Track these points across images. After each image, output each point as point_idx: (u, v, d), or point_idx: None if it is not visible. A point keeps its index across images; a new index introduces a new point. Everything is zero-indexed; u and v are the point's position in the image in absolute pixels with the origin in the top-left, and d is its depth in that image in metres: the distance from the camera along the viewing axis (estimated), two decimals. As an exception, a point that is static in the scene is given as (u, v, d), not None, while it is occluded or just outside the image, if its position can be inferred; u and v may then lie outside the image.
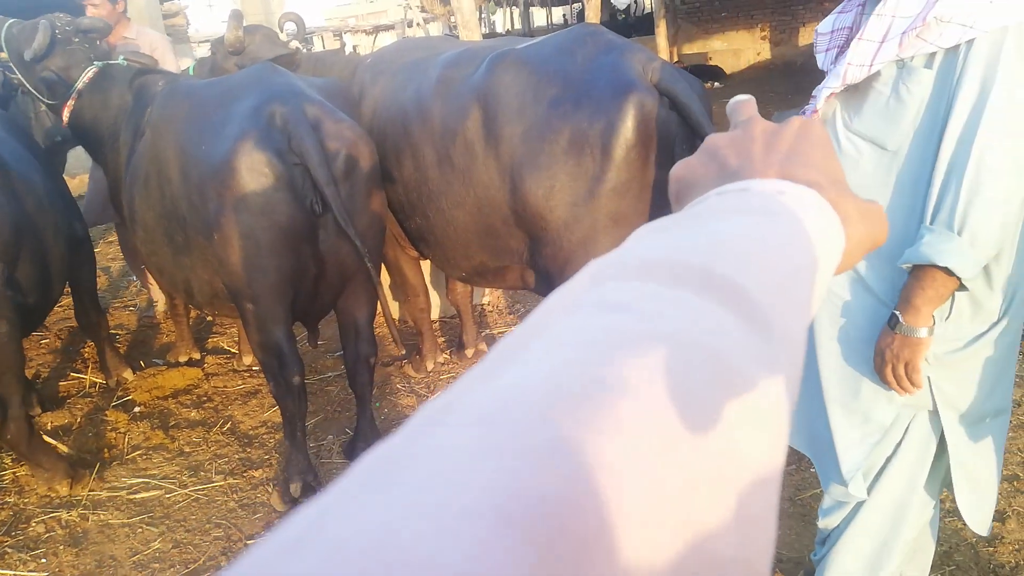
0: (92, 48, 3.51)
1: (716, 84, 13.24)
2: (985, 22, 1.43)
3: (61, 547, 2.83)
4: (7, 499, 3.15)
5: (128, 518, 2.98)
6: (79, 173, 7.81)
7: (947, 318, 1.64)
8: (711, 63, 15.17)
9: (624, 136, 2.47)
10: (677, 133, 2.55)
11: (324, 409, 3.72)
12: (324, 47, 15.37)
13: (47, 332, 4.77)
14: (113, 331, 4.44)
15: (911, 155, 1.59)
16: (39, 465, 3.11)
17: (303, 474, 2.91)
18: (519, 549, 0.20)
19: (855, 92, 1.67)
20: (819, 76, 1.75)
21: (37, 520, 2.99)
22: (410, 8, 16.50)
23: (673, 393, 0.27)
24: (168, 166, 2.83)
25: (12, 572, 2.72)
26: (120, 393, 3.96)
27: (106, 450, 3.46)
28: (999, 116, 1.43)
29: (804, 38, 14.93)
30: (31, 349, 4.50)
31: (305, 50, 4.09)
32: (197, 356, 4.28)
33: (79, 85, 3.38)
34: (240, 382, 4.05)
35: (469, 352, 4.05)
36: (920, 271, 1.54)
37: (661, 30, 13.88)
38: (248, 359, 4.16)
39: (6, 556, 2.80)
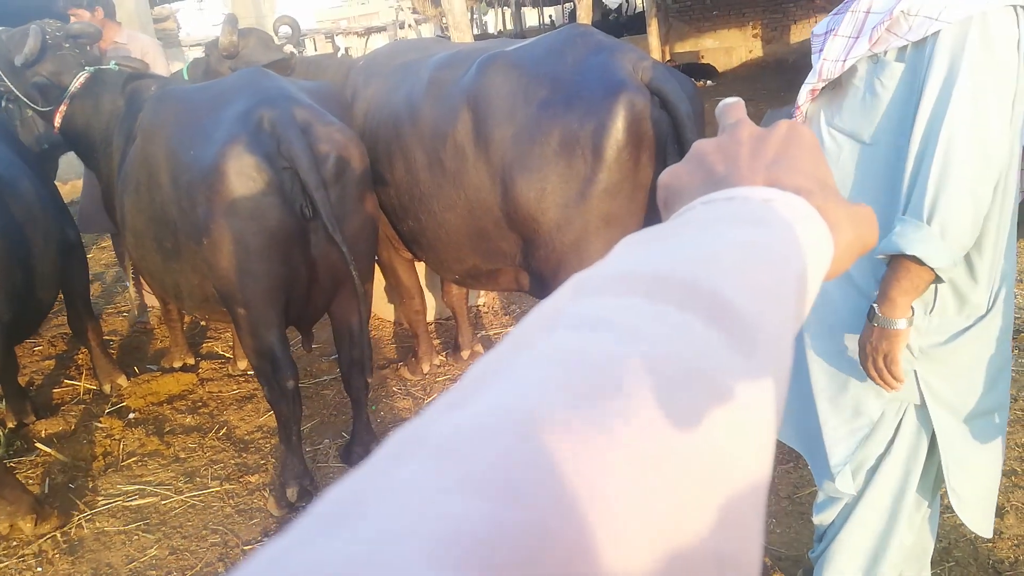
0: (83, 53, 3.50)
1: (708, 82, 13.27)
2: (949, 13, 1.44)
3: (57, 555, 2.81)
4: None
5: (124, 525, 2.96)
6: (71, 179, 7.79)
7: (931, 311, 1.64)
8: (703, 61, 15.20)
9: (615, 136, 2.46)
10: (669, 133, 2.54)
11: (320, 413, 3.71)
12: (316, 49, 15.36)
13: (40, 339, 4.75)
14: (107, 337, 4.42)
15: (887, 147, 1.61)
16: (1, 497, 2.85)
17: (299, 479, 2.90)
18: None
19: (836, 89, 1.69)
20: (812, 74, 1.77)
21: (32, 528, 2.97)
22: (401, 10, 16.52)
23: (651, 416, 0.26)
24: (158, 171, 2.81)
25: (7, 581, 2.71)
26: (114, 399, 3.94)
27: (101, 457, 3.44)
28: (965, 104, 1.44)
29: (795, 35, 14.98)
30: (24, 356, 4.48)
31: (299, 53, 4.07)
32: (191, 361, 4.27)
33: (71, 90, 3.37)
34: (235, 387, 4.03)
35: (465, 354, 4.03)
36: (895, 262, 1.54)
37: (653, 29, 13.93)
38: (243, 364, 4.14)
39: (1, 565, 2.78)
